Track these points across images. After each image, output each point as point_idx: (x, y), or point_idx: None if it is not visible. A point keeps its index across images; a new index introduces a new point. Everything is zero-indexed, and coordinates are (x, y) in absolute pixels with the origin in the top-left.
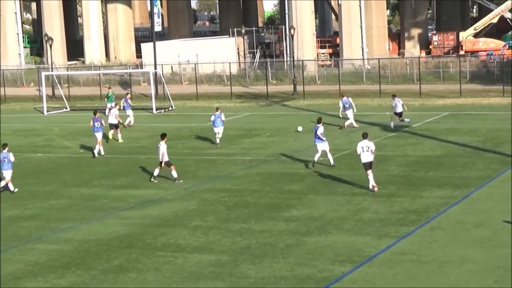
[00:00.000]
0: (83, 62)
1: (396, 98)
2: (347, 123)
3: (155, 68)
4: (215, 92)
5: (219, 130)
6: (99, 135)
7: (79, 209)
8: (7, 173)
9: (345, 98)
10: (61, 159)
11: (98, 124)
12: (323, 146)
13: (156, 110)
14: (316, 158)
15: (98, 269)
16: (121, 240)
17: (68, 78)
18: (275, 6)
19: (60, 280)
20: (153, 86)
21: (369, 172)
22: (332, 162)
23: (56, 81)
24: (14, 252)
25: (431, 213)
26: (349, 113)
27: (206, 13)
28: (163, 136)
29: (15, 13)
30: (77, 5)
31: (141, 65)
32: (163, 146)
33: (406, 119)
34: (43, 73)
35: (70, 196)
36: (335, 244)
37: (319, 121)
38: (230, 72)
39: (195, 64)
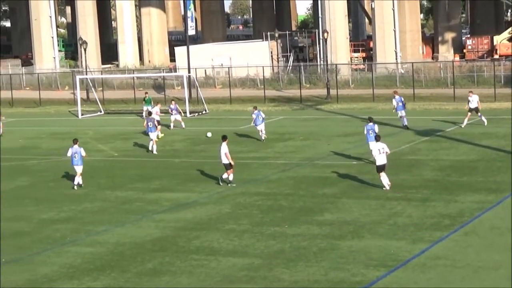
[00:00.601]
0: (117, 65)
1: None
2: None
3: (189, 72)
4: (248, 95)
5: (261, 127)
6: (153, 135)
7: (113, 212)
8: (78, 168)
9: (397, 96)
10: (96, 162)
11: (151, 124)
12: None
13: (190, 114)
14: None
15: (133, 272)
16: (155, 243)
17: (102, 81)
18: (309, 10)
19: (94, 282)
20: (186, 89)
21: (383, 173)
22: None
23: (91, 84)
24: (49, 254)
25: (465, 217)
26: (402, 113)
27: (239, 17)
28: (224, 137)
29: (50, 17)
30: (111, 9)
31: (174, 69)
32: (224, 148)
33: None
34: (78, 77)
35: (104, 199)
36: (368, 248)
37: (370, 119)
38: (263, 76)
39: (228, 67)
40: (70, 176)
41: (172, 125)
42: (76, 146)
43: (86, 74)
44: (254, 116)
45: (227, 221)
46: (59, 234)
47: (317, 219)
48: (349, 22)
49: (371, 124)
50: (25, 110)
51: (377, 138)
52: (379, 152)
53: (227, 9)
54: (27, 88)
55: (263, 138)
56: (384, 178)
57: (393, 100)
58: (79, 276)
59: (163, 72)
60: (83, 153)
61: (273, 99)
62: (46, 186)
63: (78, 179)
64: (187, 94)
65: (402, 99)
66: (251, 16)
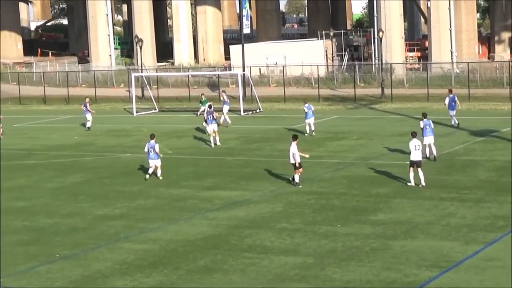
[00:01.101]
0: (172, 63)
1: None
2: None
3: (243, 70)
4: (302, 94)
5: (311, 121)
6: (213, 127)
7: (167, 209)
8: (154, 162)
9: (452, 95)
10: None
11: (211, 117)
12: (429, 139)
13: (244, 112)
14: (435, 152)
15: (185, 269)
16: (207, 241)
17: (157, 79)
18: (364, 9)
19: (147, 279)
20: (241, 88)
21: (414, 169)
22: (435, 153)
23: (146, 82)
24: (102, 250)
25: None
26: (452, 112)
27: (294, 16)
28: (295, 137)
29: (107, 15)
30: (167, 7)
31: (229, 67)
32: (293, 147)
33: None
34: (133, 74)
35: (158, 196)
36: (421, 248)
37: (425, 115)
38: (318, 75)
39: (283, 66)
40: (125, 173)
41: (225, 119)
42: (152, 142)
43: (142, 72)
44: (305, 109)
45: (280, 219)
46: (113, 230)
47: (370, 219)
48: (404, 21)
49: (426, 120)
50: (81, 107)
51: (414, 134)
52: (415, 149)
53: (282, 7)
54: (83, 86)
55: (308, 132)
56: (420, 174)
57: (447, 98)
58: (131, 273)
59: (217, 71)
60: (157, 149)
61: (327, 98)
62: (101, 183)
63: (153, 171)
64: (242, 92)
65: (456, 98)
66: (306, 15)
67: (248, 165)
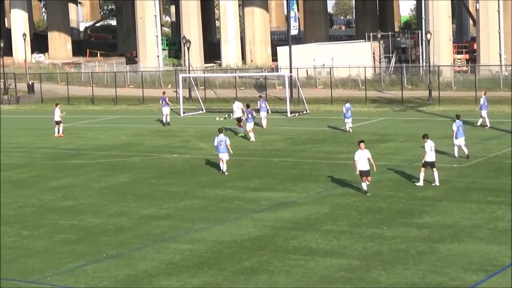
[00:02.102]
0: (220, 64)
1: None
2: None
3: (291, 72)
4: (349, 96)
5: (349, 120)
6: (250, 125)
7: (213, 210)
8: (222, 155)
9: (484, 96)
10: (196, 160)
11: (250, 115)
12: (461, 140)
13: (291, 114)
14: (467, 152)
15: (230, 270)
16: (253, 242)
17: (204, 80)
18: (412, 11)
19: (193, 279)
20: (288, 89)
21: (434, 170)
22: (467, 153)
23: (193, 83)
24: (148, 250)
25: None
26: (484, 113)
27: (342, 17)
28: (426, 136)
29: (155, 16)
30: (215, 9)
31: (276, 69)
32: (358, 154)
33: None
34: (181, 75)
35: (204, 197)
36: (468, 252)
37: (458, 117)
38: (365, 77)
39: (330, 68)
40: (171, 174)
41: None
42: (221, 135)
43: (189, 73)
44: (344, 109)
45: (326, 221)
46: (159, 230)
47: (416, 222)
48: (453, 23)
49: (458, 121)
50: (129, 108)
51: (426, 136)
52: (430, 150)
53: (330, 9)
54: (131, 86)
55: (347, 129)
56: (435, 174)
57: (481, 98)
58: (177, 273)
59: (265, 72)
60: (228, 142)
61: (375, 100)
62: (148, 183)
63: (223, 166)
64: (288, 94)
65: (487, 100)
66: (354, 16)
67: (295, 167)
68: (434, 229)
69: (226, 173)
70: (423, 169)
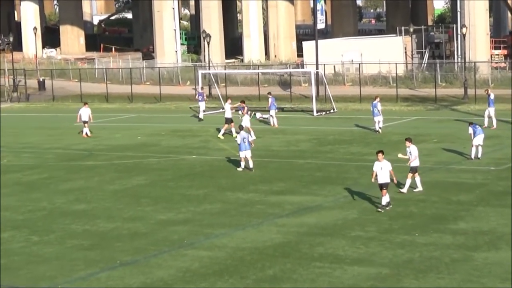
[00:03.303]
0: (242, 60)
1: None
2: None
3: (317, 68)
4: (379, 94)
5: (379, 118)
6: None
7: (234, 215)
8: (245, 153)
9: None
10: (217, 161)
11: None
12: (480, 139)
13: (317, 112)
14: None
15: (252, 279)
16: (276, 249)
17: (225, 77)
18: (446, 3)
19: None
20: (314, 87)
21: (416, 174)
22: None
23: (213, 80)
24: (165, 257)
25: None
26: None
27: (372, 10)
28: (408, 139)
29: (173, 8)
30: (237, 1)
31: (302, 65)
32: (376, 165)
33: None
34: (200, 72)
35: (225, 201)
36: (505, 261)
37: (471, 123)
38: (396, 73)
39: (359, 64)
40: (190, 176)
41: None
42: (243, 132)
43: (209, 69)
44: (372, 107)
45: (353, 227)
46: (177, 236)
47: (450, 228)
48: (490, 17)
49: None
50: (145, 106)
51: (409, 140)
52: (411, 154)
53: (359, 1)
54: (147, 83)
55: (377, 129)
56: (416, 179)
57: None
58: (195, 281)
59: (289, 68)
60: (251, 138)
61: (406, 98)
62: (165, 186)
63: (247, 163)
64: (315, 91)
65: None
66: (385, 9)
67: (320, 169)
68: (470, 236)
69: (253, 170)
70: (411, 174)
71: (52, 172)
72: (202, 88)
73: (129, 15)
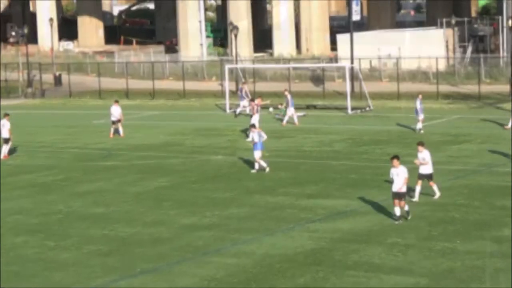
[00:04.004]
0: (271, 54)
1: None
2: None
3: (352, 63)
4: (419, 91)
5: (422, 116)
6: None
7: (263, 219)
8: (259, 153)
9: None
10: (244, 162)
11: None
12: None
13: (352, 110)
14: None
15: None
16: (307, 256)
17: (253, 72)
18: None
19: None
20: (349, 82)
21: (431, 183)
22: None
23: (241, 75)
24: (189, 264)
25: None
26: None
27: (411, 1)
28: (420, 143)
29: None
30: None
31: (336, 59)
32: (393, 171)
33: None
34: (227, 66)
35: (253, 204)
36: None
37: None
38: (437, 69)
39: (397, 58)
40: (216, 178)
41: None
42: (258, 130)
43: (236, 63)
44: (417, 105)
45: (390, 233)
46: (202, 242)
47: (495, 235)
48: None
49: None
50: (167, 103)
51: (421, 144)
52: (423, 160)
53: None
54: (170, 78)
55: (418, 128)
56: (434, 187)
57: None
58: None
59: (322, 63)
60: (264, 136)
61: (448, 96)
62: (189, 188)
63: (264, 163)
64: (349, 87)
65: None
66: (425, 0)
67: (355, 171)
68: None
69: (267, 170)
70: (419, 181)
71: (69, 173)
72: (243, 82)
73: (151, 6)
